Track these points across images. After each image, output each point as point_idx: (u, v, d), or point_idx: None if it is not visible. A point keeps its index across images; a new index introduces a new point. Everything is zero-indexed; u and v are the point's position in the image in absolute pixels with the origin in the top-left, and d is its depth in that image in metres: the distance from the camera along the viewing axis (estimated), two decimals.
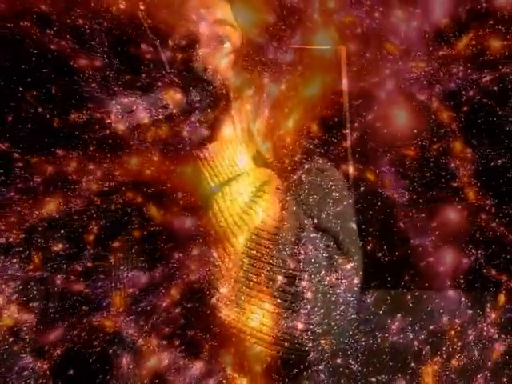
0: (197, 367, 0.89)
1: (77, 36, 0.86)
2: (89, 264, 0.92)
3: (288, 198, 0.92)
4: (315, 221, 0.92)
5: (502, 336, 1.22)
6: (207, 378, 0.89)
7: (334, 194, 0.97)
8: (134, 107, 0.79)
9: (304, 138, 1.01)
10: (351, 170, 1.12)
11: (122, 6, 0.83)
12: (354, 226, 1.00)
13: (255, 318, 0.81)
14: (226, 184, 0.89)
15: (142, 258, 0.94)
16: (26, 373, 0.91)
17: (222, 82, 0.88)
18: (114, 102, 0.76)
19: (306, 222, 0.90)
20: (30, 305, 0.92)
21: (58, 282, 0.92)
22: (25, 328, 0.91)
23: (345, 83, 1.18)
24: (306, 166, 1.00)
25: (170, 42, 0.85)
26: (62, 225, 0.93)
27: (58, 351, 0.90)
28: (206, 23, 0.88)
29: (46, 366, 0.91)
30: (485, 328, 1.24)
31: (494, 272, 1.19)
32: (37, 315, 0.92)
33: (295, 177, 0.98)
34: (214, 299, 0.82)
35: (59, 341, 0.91)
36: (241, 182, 0.90)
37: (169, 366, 0.90)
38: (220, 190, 0.89)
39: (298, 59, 0.97)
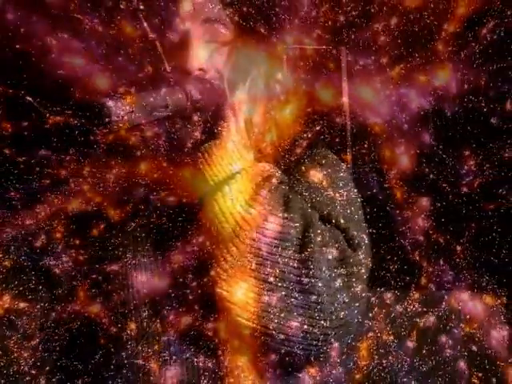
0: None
1: (76, 36, 0.87)
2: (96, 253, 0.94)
3: (291, 193, 0.89)
4: (324, 214, 0.89)
5: (425, 310, 1.43)
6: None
7: (340, 184, 0.96)
8: (134, 107, 0.78)
9: (306, 128, 1.03)
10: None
11: (121, 6, 0.85)
12: (361, 216, 0.96)
13: (240, 292, 0.83)
14: (226, 183, 0.86)
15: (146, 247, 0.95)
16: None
17: (217, 77, 0.89)
18: (113, 102, 0.75)
19: (312, 216, 0.86)
20: (26, 295, 0.93)
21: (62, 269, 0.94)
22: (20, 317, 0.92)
23: (345, 83, 1.23)
24: (310, 158, 1.00)
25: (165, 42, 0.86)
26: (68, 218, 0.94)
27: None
28: (196, 22, 0.91)
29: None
30: (410, 305, 1.45)
31: (417, 258, 1.37)
32: (34, 304, 0.94)
33: (299, 168, 0.97)
34: (213, 273, 0.84)
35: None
36: (240, 180, 0.86)
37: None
38: (220, 189, 0.86)
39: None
